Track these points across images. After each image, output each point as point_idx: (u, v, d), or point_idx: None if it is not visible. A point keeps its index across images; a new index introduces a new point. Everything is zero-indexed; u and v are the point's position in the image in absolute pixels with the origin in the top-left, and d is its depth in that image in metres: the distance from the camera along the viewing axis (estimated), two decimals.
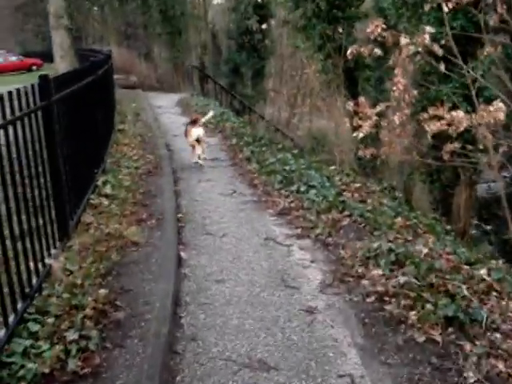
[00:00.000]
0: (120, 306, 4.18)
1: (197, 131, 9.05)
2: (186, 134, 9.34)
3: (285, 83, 31.68)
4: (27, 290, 3.94)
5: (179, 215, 6.72)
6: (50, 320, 3.72)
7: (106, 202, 6.42)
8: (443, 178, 11.49)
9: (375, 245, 5.21)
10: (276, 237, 5.99)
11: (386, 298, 4.38)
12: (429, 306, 4.09)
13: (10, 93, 3.82)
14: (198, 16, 32.41)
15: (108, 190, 6.84)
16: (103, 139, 8.26)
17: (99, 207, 6.27)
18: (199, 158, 9.22)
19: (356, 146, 14.08)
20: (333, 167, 9.81)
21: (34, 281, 4.10)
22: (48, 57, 32.43)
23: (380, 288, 4.51)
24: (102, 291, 4.20)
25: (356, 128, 10.40)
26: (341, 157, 14.80)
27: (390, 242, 5.48)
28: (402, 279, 4.49)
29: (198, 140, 9.09)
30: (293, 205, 6.94)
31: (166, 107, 17.66)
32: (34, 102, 4.41)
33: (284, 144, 12.88)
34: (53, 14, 19.79)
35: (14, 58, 45.23)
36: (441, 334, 3.86)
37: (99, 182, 7.01)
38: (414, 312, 4.11)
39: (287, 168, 8.26)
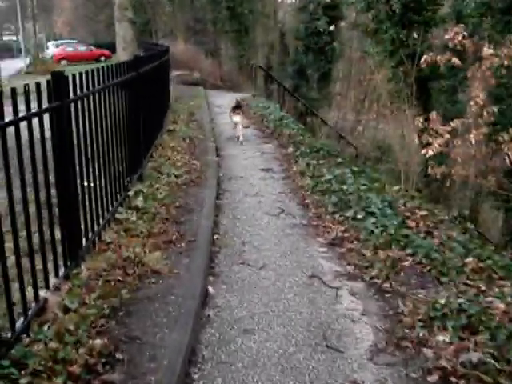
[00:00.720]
0: (119, 360, 3.38)
1: (235, 117, 11.48)
2: (230, 116, 11.86)
3: (352, 88, 30.53)
4: (7, 334, 3.22)
5: (216, 236, 5.92)
6: (24, 381, 2.96)
7: (133, 217, 5.66)
8: None
9: (442, 300, 4.24)
10: (323, 275, 5.08)
11: (453, 379, 3.42)
12: None
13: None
14: (267, 15, 31.64)
15: (139, 202, 6.07)
16: (145, 142, 7.53)
17: (125, 223, 5.52)
18: (238, 138, 11.46)
19: (423, 160, 13.01)
20: (396, 187, 8.77)
21: (19, 322, 3.37)
22: None
23: (446, 363, 3.55)
24: (98, 341, 3.42)
25: (425, 145, 9.40)
26: (405, 169, 13.76)
27: (460, 293, 4.53)
28: (474, 356, 3.51)
29: (236, 123, 11.54)
30: (347, 234, 6.00)
31: (225, 107, 16.79)
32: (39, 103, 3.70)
33: (345, 156, 11.87)
34: (118, 5, 19.48)
35: (83, 48, 45.82)
36: None
37: (131, 192, 6.28)
38: None
39: (344, 188, 7.31)
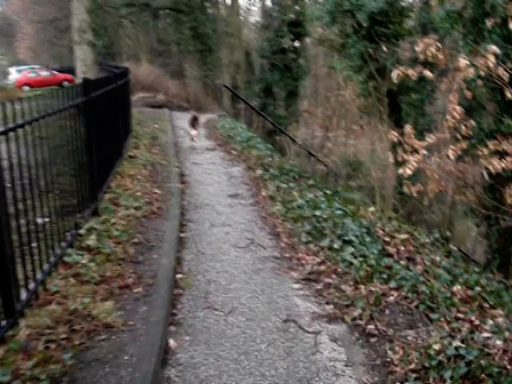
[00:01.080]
0: None
1: (193, 131, 12.96)
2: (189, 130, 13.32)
3: (319, 104, 30.30)
4: None
5: (178, 276, 5.32)
6: None
7: (84, 259, 5.03)
8: (503, 223, 9.80)
9: (437, 346, 3.71)
10: (300, 317, 4.51)
11: None
12: None
13: None
14: (232, 34, 31.32)
15: (92, 241, 5.44)
16: (100, 172, 6.92)
17: (75, 267, 4.89)
18: (193, 143, 13.01)
19: (396, 177, 12.60)
20: (372, 208, 8.29)
21: None
22: None
23: None
24: None
25: (400, 162, 8.95)
26: (379, 187, 13.37)
27: (453, 331, 4.03)
28: None
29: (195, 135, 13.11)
30: (323, 267, 5.45)
31: None
32: None
33: (316, 177, 11.38)
34: (76, 28, 18.78)
35: (45, 73, 44.87)
36: None
37: (83, 230, 5.65)
38: None
39: (318, 214, 6.78)
